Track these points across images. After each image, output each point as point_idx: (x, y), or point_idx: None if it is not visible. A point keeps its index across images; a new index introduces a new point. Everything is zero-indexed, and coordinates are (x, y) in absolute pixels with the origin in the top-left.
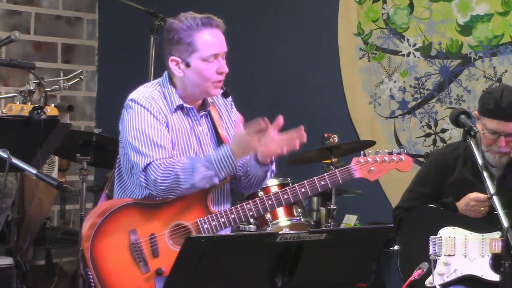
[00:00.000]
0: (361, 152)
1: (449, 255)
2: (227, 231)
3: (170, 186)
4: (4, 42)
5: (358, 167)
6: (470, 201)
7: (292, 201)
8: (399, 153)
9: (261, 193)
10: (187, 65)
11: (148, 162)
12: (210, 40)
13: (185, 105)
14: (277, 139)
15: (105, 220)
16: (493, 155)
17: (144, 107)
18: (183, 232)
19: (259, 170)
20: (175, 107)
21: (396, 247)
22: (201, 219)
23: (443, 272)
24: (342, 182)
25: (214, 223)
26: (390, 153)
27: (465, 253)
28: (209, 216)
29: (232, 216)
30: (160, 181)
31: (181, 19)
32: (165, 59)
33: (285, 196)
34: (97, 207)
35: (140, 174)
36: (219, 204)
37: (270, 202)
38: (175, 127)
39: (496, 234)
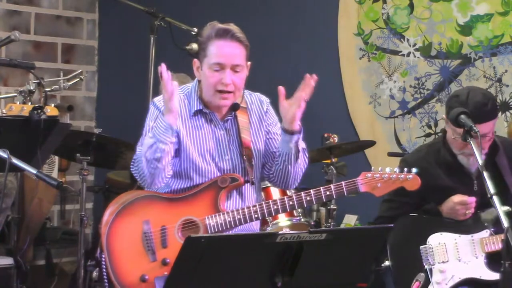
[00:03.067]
0: (372, 168)
1: (443, 262)
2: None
3: (136, 169)
4: (4, 42)
5: (365, 181)
6: (455, 204)
7: (297, 208)
8: (408, 172)
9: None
10: (201, 68)
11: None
12: (218, 50)
13: (204, 110)
14: (290, 104)
15: (124, 209)
16: (466, 157)
17: (158, 108)
18: (191, 227)
19: (289, 141)
20: (193, 111)
21: (387, 263)
22: (209, 216)
23: (440, 280)
24: (347, 194)
25: (220, 221)
26: (400, 171)
27: (459, 257)
28: (216, 214)
29: (238, 216)
30: (133, 170)
31: (206, 27)
32: None
33: (290, 203)
34: (120, 196)
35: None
36: (235, 205)
37: (275, 207)
38: (191, 130)
39: (485, 233)
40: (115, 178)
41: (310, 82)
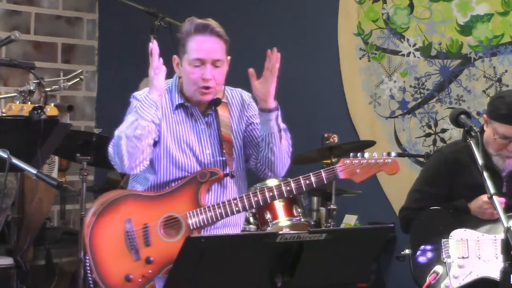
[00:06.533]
0: (350, 153)
1: (462, 257)
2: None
3: (113, 150)
4: (4, 42)
5: (344, 168)
6: (483, 203)
7: (277, 199)
8: (386, 156)
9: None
10: (181, 64)
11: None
12: (197, 45)
13: (186, 103)
14: (260, 83)
15: (105, 209)
16: (502, 159)
17: (139, 100)
18: (173, 223)
19: (269, 120)
20: (175, 106)
21: (407, 251)
22: (190, 212)
23: (458, 275)
24: (326, 182)
25: (202, 216)
26: (379, 155)
27: (479, 255)
28: (197, 209)
29: (219, 210)
30: (110, 151)
31: (185, 22)
32: None
33: (271, 194)
34: (102, 196)
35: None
36: (217, 198)
37: (255, 199)
38: (171, 124)
39: None
40: (115, 178)
41: (273, 56)
